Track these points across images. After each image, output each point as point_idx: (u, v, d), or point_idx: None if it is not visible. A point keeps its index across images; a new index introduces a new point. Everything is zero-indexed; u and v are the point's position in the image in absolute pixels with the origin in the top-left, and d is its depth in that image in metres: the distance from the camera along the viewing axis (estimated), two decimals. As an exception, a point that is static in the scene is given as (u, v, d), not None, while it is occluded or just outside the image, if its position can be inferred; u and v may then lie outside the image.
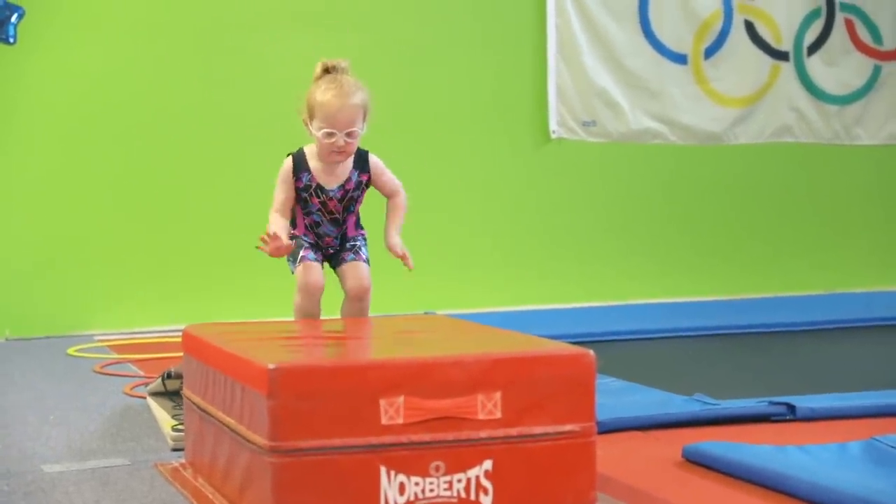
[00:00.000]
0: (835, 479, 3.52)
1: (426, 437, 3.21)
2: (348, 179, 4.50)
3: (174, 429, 4.28)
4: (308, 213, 4.55)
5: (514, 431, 3.28)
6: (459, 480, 3.25)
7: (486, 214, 7.96)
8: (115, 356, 6.36)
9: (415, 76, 7.84)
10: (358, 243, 4.67)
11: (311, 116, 4.40)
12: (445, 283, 7.74)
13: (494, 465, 3.28)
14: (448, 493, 3.22)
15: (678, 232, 8.28)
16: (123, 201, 7.35)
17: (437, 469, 3.23)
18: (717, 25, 8.37)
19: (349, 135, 4.29)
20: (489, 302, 7.79)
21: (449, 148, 7.92)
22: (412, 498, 3.22)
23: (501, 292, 7.92)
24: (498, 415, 3.27)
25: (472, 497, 3.25)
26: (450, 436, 3.22)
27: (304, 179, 4.46)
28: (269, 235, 4.33)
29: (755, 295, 8.31)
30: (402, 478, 3.21)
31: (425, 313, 7.19)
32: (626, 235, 8.23)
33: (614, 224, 8.23)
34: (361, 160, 4.54)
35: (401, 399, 3.21)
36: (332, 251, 4.67)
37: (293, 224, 4.60)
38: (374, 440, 3.17)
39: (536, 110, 8.09)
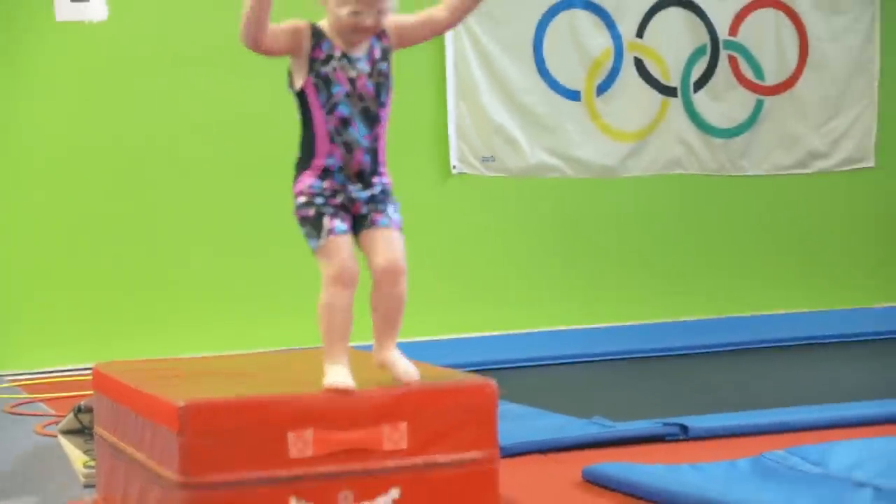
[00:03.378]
0: (725, 494, 3.60)
1: (334, 468, 3.22)
2: (371, 47, 3.23)
3: (86, 465, 4.24)
4: (332, 108, 3.16)
5: (419, 460, 3.29)
6: (371, 510, 3.28)
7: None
8: (26, 396, 6.30)
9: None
10: (389, 200, 3.29)
11: None
12: (358, 310, 7.73)
13: (402, 494, 3.28)
14: (358, 525, 3.26)
15: (574, 262, 8.31)
16: (34, 247, 7.29)
17: (345, 499, 3.24)
18: (608, 63, 8.42)
19: (380, 11, 3.11)
20: (414, 330, 7.79)
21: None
22: (323, 531, 3.23)
23: (406, 323, 7.92)
24: (404, 445, 3.28)
25: (386, 528, 3.29)
26: (357, 466, 3.22)
27: (324, 48, 3.14)
28: None
29: (648, 321, 8.35)
30: (311, 509, 3.23)
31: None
32: (524, 266, 8.25)
33: (513, 255, 8.25)
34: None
35: (309, 432, 3.22)
36: (360, 203, 3.20)
37: (307, 160, 3.21)
38: (283, 473, 3.17)
39: (438, 147, 8.12)
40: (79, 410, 4.54)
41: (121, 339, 7.21)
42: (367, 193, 3.18)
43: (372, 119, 3.19)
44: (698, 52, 8.68)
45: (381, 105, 3.23)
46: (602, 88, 8.44)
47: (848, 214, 9.02)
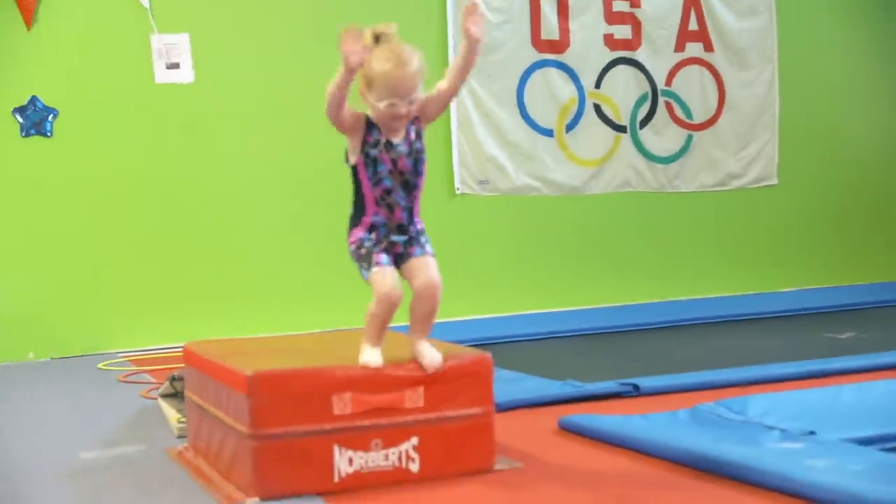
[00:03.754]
0: (667, 438, 3.61)
1: (368, 422, 3.27)
2: (407, 132, 3.41)
3: (179, 421, 4.23)
4: (378, 182, 3.37)
5: (433, 416, 3.35)
6: (393, 453, 3.30)
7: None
8: (134, 368, 6.28)
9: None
10: (422, 238, 3.47)
11: (369, 87, 3.34)
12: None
13: (420, 441, 3.33)
14: (385, 463, 3.30)
15: (550, 260, 8.27)
16: (139, 250, 7.27)
17: (376, 445, 3.27)
18: (574, 108, 8.39)
19: (411, 102, 3.31)
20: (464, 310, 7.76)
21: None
22: (358, 468, 3.26)
23: (472, 299, 7.88)
24: (421, 404, 3.34)
25: (404, 465, 3.32)
26: (385, 421, 3.29)
27: (374, 134, 3.34)
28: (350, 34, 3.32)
29: (608, 304, 8.33)
30: (350, 453, 3.25)
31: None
32: (511, 263, 8.21)
33: (503, 255, 8.20)
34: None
35: (348, 395, 3.23)
36: (399, 245, 3.38)
37: (358, 217, 3.43)
38: (328, 426, 3.23)
39: (445, 173, 8.08)
40: (173, 379, 4.53)
41: (205, 323, 7.17)
42: (404, 238, 3.37)
43: (410, 187, 3.41)
44: (642, 99, 8.64)
45: (418, 174, 3.45)
46: (569, 127, 8.40)
47: (758, 220, 8.98)
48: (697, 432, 3.64)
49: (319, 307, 7.58)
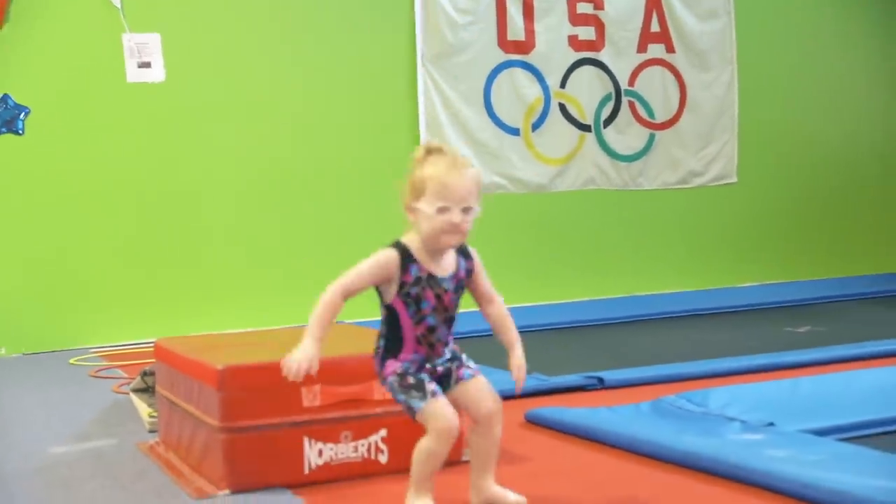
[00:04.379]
0: (631, 429, 3.63)
1: (337, 414, 3.27)
2: (457, 268, 2.91)
3: (150, 416, 4.22)
4: (420, 320, 2.81)
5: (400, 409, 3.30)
6: (363, 445, 3.32)
7: (373, 245, 7.88)
8: (106, 363, 6.24)
9: (336, 150, 7.78)
10: (462, 355, 3.00)
11: (419, 196, 2.80)
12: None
13: (388, 433, 3.35)
14: (355, 455, 3.32)
15: (516, 256, 8.25)
16: (111, 247, 7.23)
17: (346, 437, 3.28)
18: (540, 107, 8.40)
19: (465, 210, 2.76)
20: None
21: (344, 201, 7.85)
22: (328, 460, 3.26)
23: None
24: (389, 396, 3.28)
25: (373, 457, 3.34)
26: (354, 412, 3.30)
27: (412, 272, 2.77)
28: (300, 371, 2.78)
29: (573, 299, 8.33)
30: (320, 445, 3.25)
31: (337, 323, 7.08)
32: (483, 259, 8.20)
33: (482, 251, 8.19)
34: (462, 249, 2.97)
35: (318, 387, 3.23)
36: (441, 370, 2.87)
37: (394, 353, 2.84)
38: (298, 418, 3.24)
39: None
40: (145, 374, 4.50)
41: (177, 319, 7.15)
42: (441, 360, 2.87)
43: (451, 322, 2.92)
44: (606, 98, 8.65)
45: (458, 307, 2.95)
46: (535, 126, 8.41)
47: (718, 217, 9.02)
48: (660, 424, 3.67)
49: (289, 303, 7.51)
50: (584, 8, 8.54)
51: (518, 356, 3.07)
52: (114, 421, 4.47)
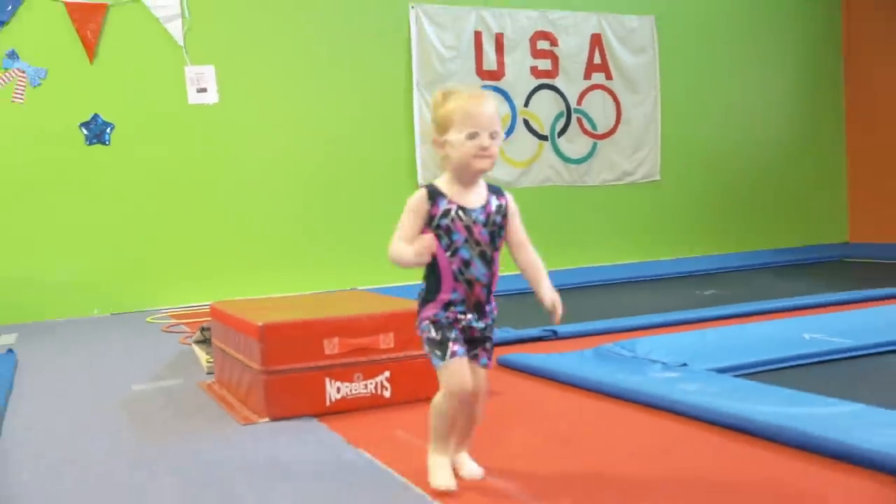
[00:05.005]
0: (578, 370, 3.63)
1: (351, 359, 3.27)
2: (487, 202, 2.46)
3: (208, 362, 4.21)
4: (454, 252, 2.37)
5: (401, 354, 3.36)
6: (371, 383, 3.30)
7: (384, 230, 7.85)
8: (174, 321, 6.24)
9: (350, 155, 7.77)
10: (489, 344, 2.49)
11: (446, 129, 2.39)
12: (364, 268, 7.67)
13: (391, 374, 3.34)
14: (365, 391, 3.30)
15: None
16: (177, 230, 7.23)
17: (358, 377, 3.27)
18: (509, 121, 8.38)
19: (493, 135, 2.36)
20: (390, 280, 7.75)
21: (357, 194, 7.83)
22: (344, 395, 3.26)
23: (392, 276, 7.86)
24: (392, 345, 3.34)
25: (379, 392, 3.33)
26: (364, 359, 3.29)
27: (441, 204, 2.37)
28: (424, 248, 2.37)
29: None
30: (338, 384, 3.24)
31: (352, 289, 7.11)
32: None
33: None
34: (495, 189, 2.54)
35: (336, 339, 3.21)
36: (476, 331, 2.42)
37: (433, 294, 2.41)
38: (321, 363, 3.22)
39: (411, 171, 8.06)
40: (203, 329, 4.51)
41: (226, 287, 7.14)
42: (482, 324, 2.42)
43: (488, 261, 2.43)
44: (559, 115, 8.64)
45: (495, 249, 2.47)
46: (506, 136, 8.38)
47: (645, 206, 9.02)
48: (600, 366, 3.67)
49: (314, 274, 7.56)
50: (543, 45, 8.52)
51: (548, 287, 2.60)
52: (180, 366, 4.48)
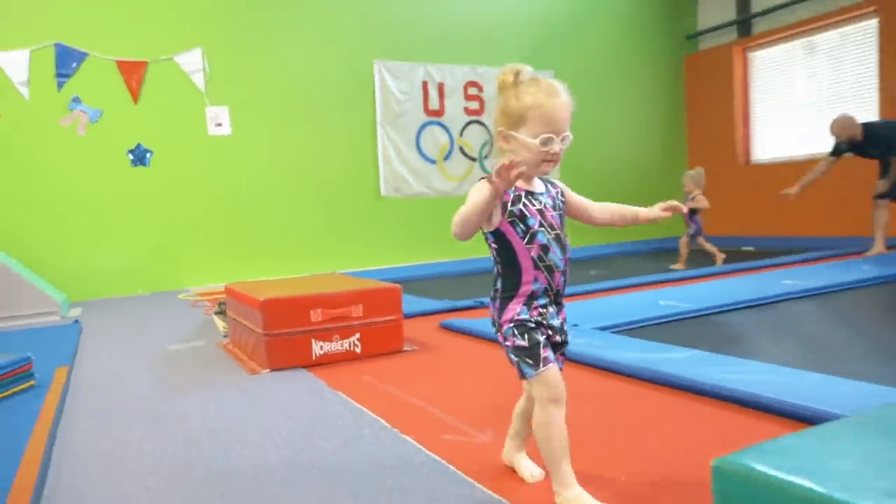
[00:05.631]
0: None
1: (331, 325, 3.24)
2: (547, 189, 1.77)
3: (224, 328, 4.16)
4: (531, 238, 1.68)
5: (368, 321, 3.33)
6: (346, 343, 3.28)
7: (356, 229, 7.84)
8: (199, 297, 6.14)
9: (331, 173, 7.70)
10: (567, 338, 1.74)
11: (517, 125, 1.70)
12: (342, 257, 7.63)
13: (361, 335, 3.30)
14: (341, 348, 3.28)
15: (436, 233, 8.23)
16: (200, 231, 7.12)
17: (336, 338, 3.24)
18: (448, 147, 8.37)
19: (564, 139, 1.67)
20: (361, 266, 7.71)
21: (335, 202, 7.78)
22: (326, 352, 3.24)
23: (365, 260, 7.83)
24: (361, 314, 3.30)
25: (352, 349, 3.29)
26: (341, 324, 3.28)
27: (510, 191, 1.70)
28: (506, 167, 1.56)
29: (465, 257, 8.34)
30: (321, 343, 3.22)
31: (332, 272, 7.06)
32: (414, 234, 8.18)
33: (409, 230, 8.16)
34: (544, 179, 1.80)
35: (319, 310, 3.19)
36: (557, 336, 1.70)
37: (513, 288, 1.69)
38: (308, 328, 3.20)
39: (374, 184, 8.00)
40: (221, 304, 4.44)
41: (238, 272, 7.07)
42: (558, 322, 1.71)
43: (563, 245, 1.73)
44: (485, 143, 8.62)
45: (566, 234, 1.76)
46: (445, 158, 8.36)
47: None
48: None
49: (305, 261, 7.50)
50: (473, 91, 8.51)
51: (643, 209, 1.85)
52: (204, 331, 4.41)
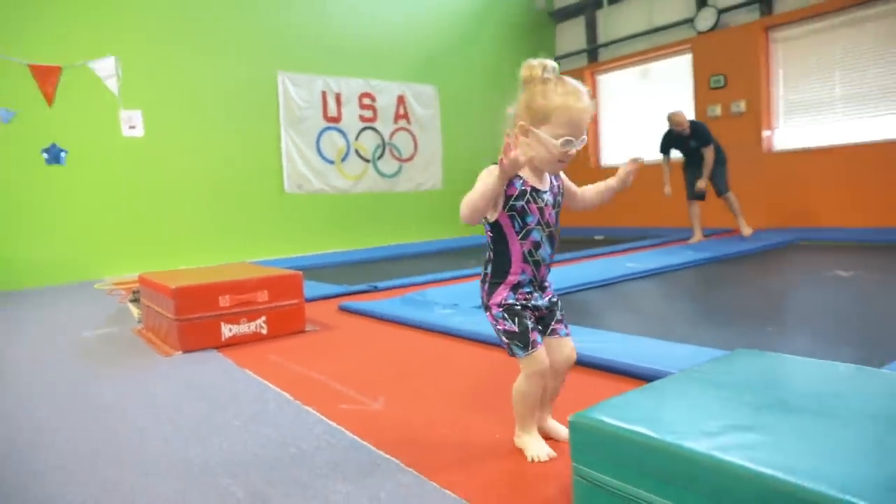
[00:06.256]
0: (391, 311, 3.57)
1: (238, 309, 3.11)
2: (552, 184, 1.65)
3: (138, 315, 3.92)
4: (526, 235, 1.59)
5: (273, 304, 3.22)
6: (253, 325, 3.17)
7: (262, 222, 7.59)
8: (114, 286, 5.77)
9: (237, 171, 7.39)
10: (559, 311, 1.68)
11: (540, 122, 1.54)
12: (249, 247, 7.37)
13: (267, 318, 3.20)
14: (248, 330, 3.17)
15: (336, 225, 8.11)
16: (117, 226, 6.66)
17: (244, 321, 3.11)
18: (345, 150, 8.23)
19: (581, 142, 1.54)
20: (267, 255, 7.48)
21: (243, 198, 7.50)
22: (235, 334, 3.11)
23: (282, 247, 7.60)
24: (267, 299, 3.19)
25: (259, 331, 3.18)
26: (248, 308, 3.15)
27: (517, 185, 1.58)
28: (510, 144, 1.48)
29: (362, 247, 8.24)
30: (230, 326, 3.09)
31: (241, 262, 6.81)
32: (315, 228, 8.01)
33: (310, 222, 7.97)
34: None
35: (228, 296, 3.06)
36: (544, 310, 1.65)
37: (501, 276, 1.62)
38: (217, 312, 3.05)
39: (279, 180, 7.76)
40: (135, 292, 4.20)
41: (151, 262, 6.69)
42: (544, 302, 1.65)
43: (553, 242, 1.64)
44: (378, 146, 8.54)
45: (559, 229, 1.67)
46: (343, 160, 8.22)
47: (432, 205, 9.07)
48: (405, 308, 3.65)
49: (214, 251, 7.20)
50: (367, 101, 8.40)
51: (613, 178, 1.69)
52: (118, 318, 4.14)
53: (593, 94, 9.73)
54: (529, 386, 1.63)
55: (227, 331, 3.05)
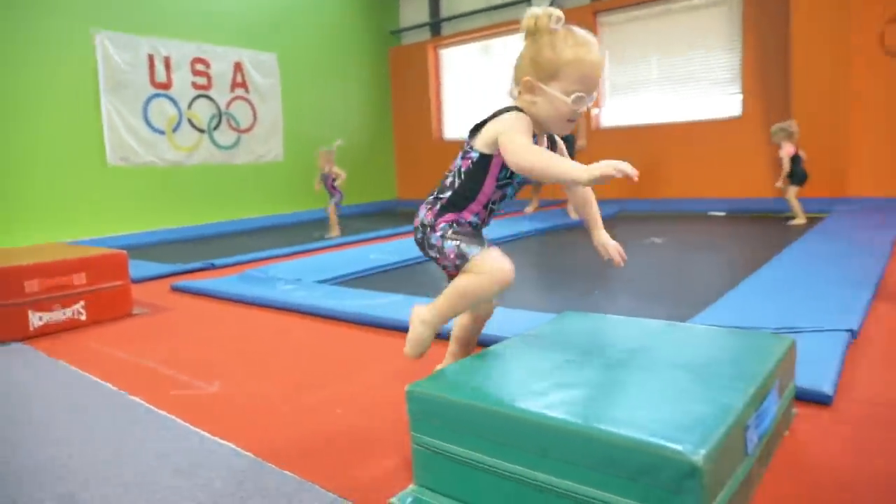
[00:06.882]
0: (229, 288, 3.44)
1: (51, 295, 2.81)
2: (546, 145, 1.50)
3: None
4: (504, 185, 1.47)
5: (93, 287, 2.96)
6: (68, 311, 2.90)
7: (82, 197, 6.88)
8: None
9: (53, 142, 6.61)
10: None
11: (549, 78, 1.35)
12: (68, 224, 6.67)
13: (85, 303, 2.94)
14: (63, 317, 2.90)
15: (173, 201, 7.56)
16: None
17: (57, 308, 2.83)
18: (177, 120, 7.63)
19: (592, 99, 1.37)
20: (93, 232, 6.82)
21: (58, 171, 6.75)
22: (46, 322, 2.83)
23: (98, 227, 6.94)
24: (85, 281, 2.92)
25: (76, 317, 2.92)
26: (61, 293, 2.87)
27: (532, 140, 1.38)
28: (624, 172, 1.16)
29: (200, 223, 7.77)
30: (39, 314, 2.81)
31: (63, 242, 6.20)
32: (144, 202, 7.42)
33: (140, 198, 7.37)
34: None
35: (36, 280, 2.76)
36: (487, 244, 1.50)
37: (457, 208, 1.48)
38: (22, 300, 2.76)
39: (100, 152, 7.08)
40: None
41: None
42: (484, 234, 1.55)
43: (516, 191, 1.53)
44: (214, 116, 8.00)
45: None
46: (174, 130, 7.63)
47: (276, 177, 8.73)
48: (245, 286, 3.52)
49: (29, 231, 6.44)
50: (200, 67, 7.85)
51: (602, 234, 1.62)
52: None
53: (436, 68, 9.83)
54: (484, 282, 1.40)
55: (37, 319, 2.73)
